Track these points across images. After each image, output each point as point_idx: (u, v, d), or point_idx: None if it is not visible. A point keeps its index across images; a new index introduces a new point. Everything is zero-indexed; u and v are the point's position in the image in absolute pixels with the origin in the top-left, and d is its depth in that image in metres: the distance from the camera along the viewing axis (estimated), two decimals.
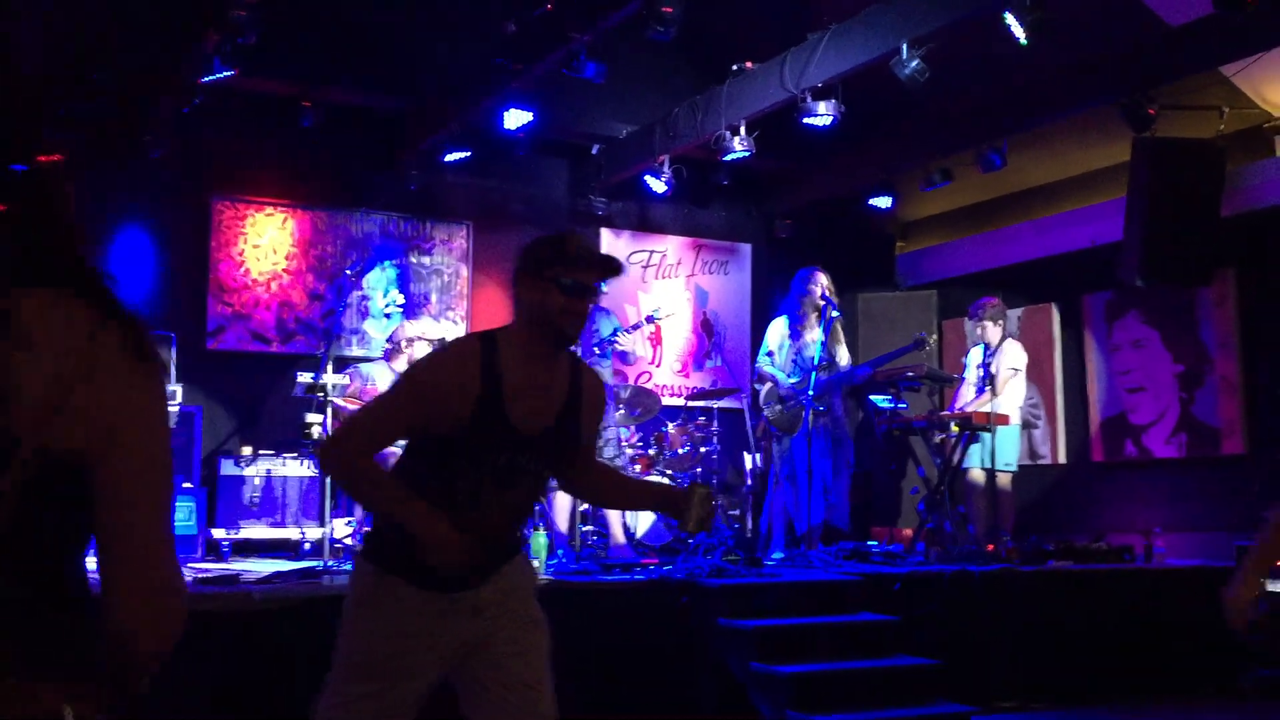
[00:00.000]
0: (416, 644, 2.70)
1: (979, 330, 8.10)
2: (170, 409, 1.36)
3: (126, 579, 1.28)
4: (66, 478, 1.25)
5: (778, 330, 7.74)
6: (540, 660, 2.84)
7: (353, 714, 2.70)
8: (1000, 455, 7.69)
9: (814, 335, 7.56)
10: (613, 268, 2.87)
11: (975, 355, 8.16)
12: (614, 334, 7.05)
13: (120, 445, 1.27)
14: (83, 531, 1.29)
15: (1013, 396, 7.95)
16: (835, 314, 7.47)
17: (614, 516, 7.14)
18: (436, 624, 2.71)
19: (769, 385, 7.65)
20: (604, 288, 2.96)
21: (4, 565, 1.22)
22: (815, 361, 7.39)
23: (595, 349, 7.01)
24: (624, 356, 7.28)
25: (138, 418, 1.29)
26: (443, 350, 2.97)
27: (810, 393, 7.20)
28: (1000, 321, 8.01)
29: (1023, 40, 6.25)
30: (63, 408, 1.23)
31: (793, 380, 7.50)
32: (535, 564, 6.17)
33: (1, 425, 1.21)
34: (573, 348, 2.93)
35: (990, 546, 7.21)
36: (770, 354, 7.71)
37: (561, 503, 6.90)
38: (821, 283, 7.55)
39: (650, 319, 7.46)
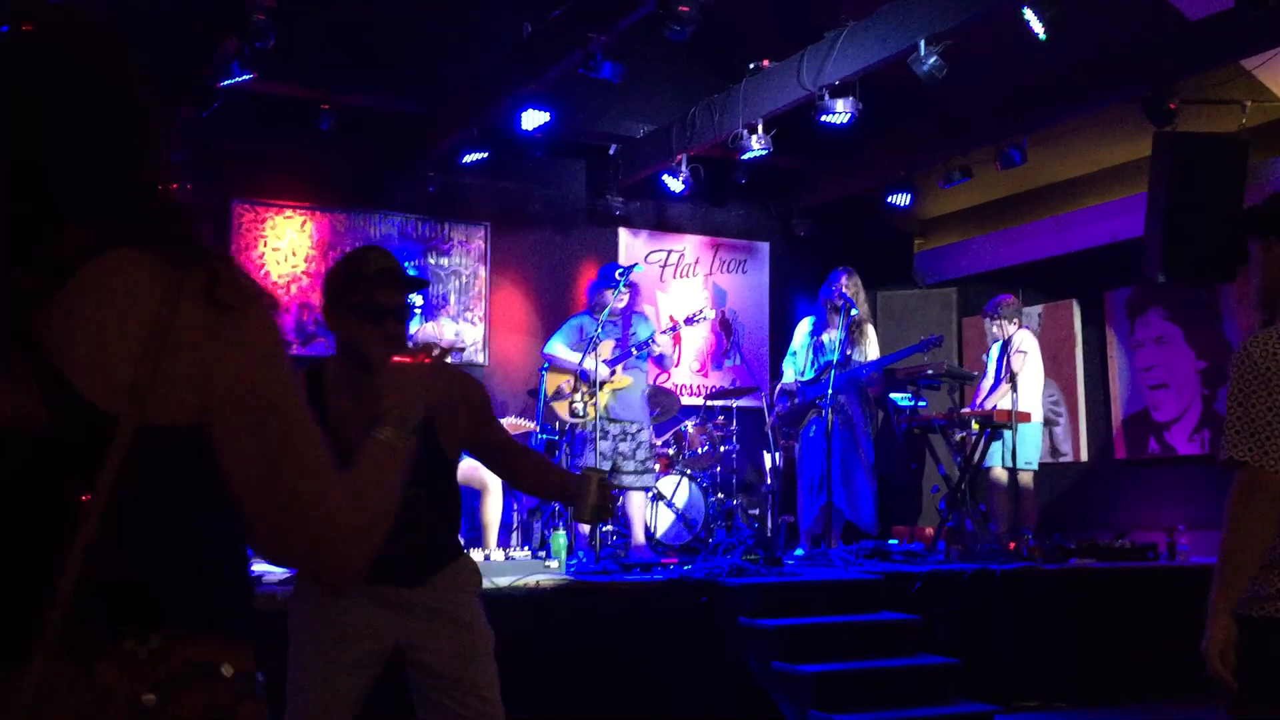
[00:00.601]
0: (337, 633, 2.78)
1: (996, 328, 8.08)
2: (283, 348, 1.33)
3: (281, 530, 1.25)
4: (176, 446, 1.21)
5: (801, 331, 7.84)
6: (477, 659, 2.86)
7: (295, 709, 2.78)
8: (1021, 453, 7.65)
9: (831, 335, 7.56)
10: (415, 284, 2.83)
11: (994, 353, 8.14)
12: (651, 337, 7.05)
13: (226, 405, 1.21)
14: (211, 487, 1.24)
15: (1031, 390, 7.92)
16: (854, 313, 7.46)
17: (635, 516, 7.15)
18: (355, 615, 2.78)
19: (779, 384, 7.69)
20: (416, 300, 2.94)
21: (119, 534, 1.17)
22: (828, 360, 7.40)
23: (634, 350, 7.03)
24: (660, 360, 7.27)
25: (237, 373, 1.22)
26: None
27: (829, 391, 7.19)
28: (1017, 319, 7.98)
29: (1042, 35, 6.22)
30: (156, 380, 1.17)
31: (805, 378, 7.52)
32: (554, 564, 6.20)
33: (97, 405, 1.16)
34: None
35: (1012, 545, 7.18)
36: (794, 354, 7.79)
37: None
38: (841, 282, 7.56)
39: (690, 321, 7.46)
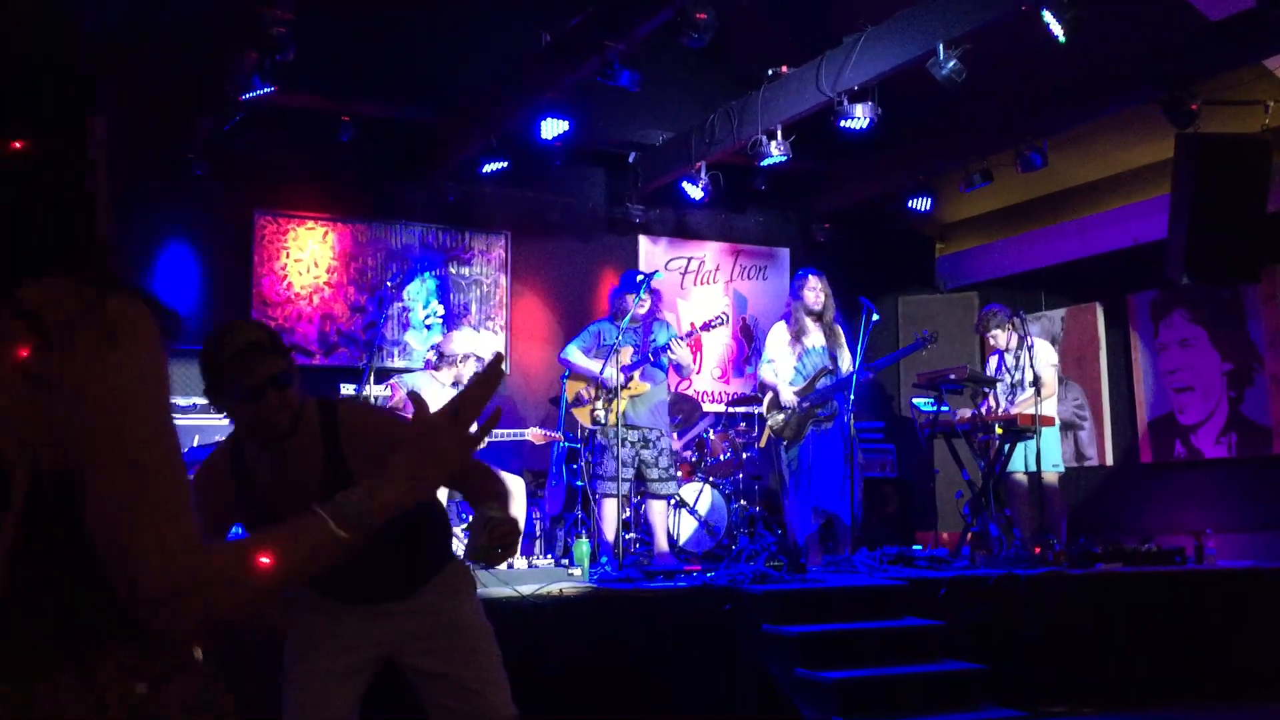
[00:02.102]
0: (330, 644, 2.85)
1: (991, 340, 8.07)
2: (158, 379, 1.23)
3: (125, 560, 1.20)
4: (67, 498, 1.21)
5: (778, 336, 7.62)
6: (477, 658, 2.91)
7: (291, 712, 2.85)
8: (1050, 456, 7.62)
9: (814, 340, 7.49)
10: (275, 355, 2.67)
11: (991, 363, 8.13)
12: (668, 343, 7.00)
13: (87, 441, 1.19)
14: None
15: (1051, 397, 7.92)
16: (876, 318, 7.42)
17: (658, 524, 7.14)
18: (346, 625, 2.86)
19: (770, 394, 7.52)
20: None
21: (30, 572, 1.20)
22: (816, 367, 7.36)
23: (650, 356, 7.00)
24: (679, 368, 7.17)
25: (98, 413, 1.19)
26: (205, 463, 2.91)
27: (849, 395, 7.17)
28: (1007, 326, 7.93)
29: (1061, 38, 6.20)
30: (44, 424, 1.17)
31: (795, 388, 7.41)
32: (578, 571, 6.20)
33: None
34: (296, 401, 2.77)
35: (1037, 550, 7.14)
36: (772, 361, 7.57)
37: (609, 512, 6.90)
38: (815, 286, 7.47)
39: (707, 326, 7.37)
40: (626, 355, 6.97)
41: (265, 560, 1.28)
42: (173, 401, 1.28)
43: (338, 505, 1.36)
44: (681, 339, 7.07)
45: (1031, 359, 7.74)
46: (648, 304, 7.07)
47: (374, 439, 2.76)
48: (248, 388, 2.63)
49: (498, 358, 1.62)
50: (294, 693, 2.87)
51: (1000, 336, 7.97)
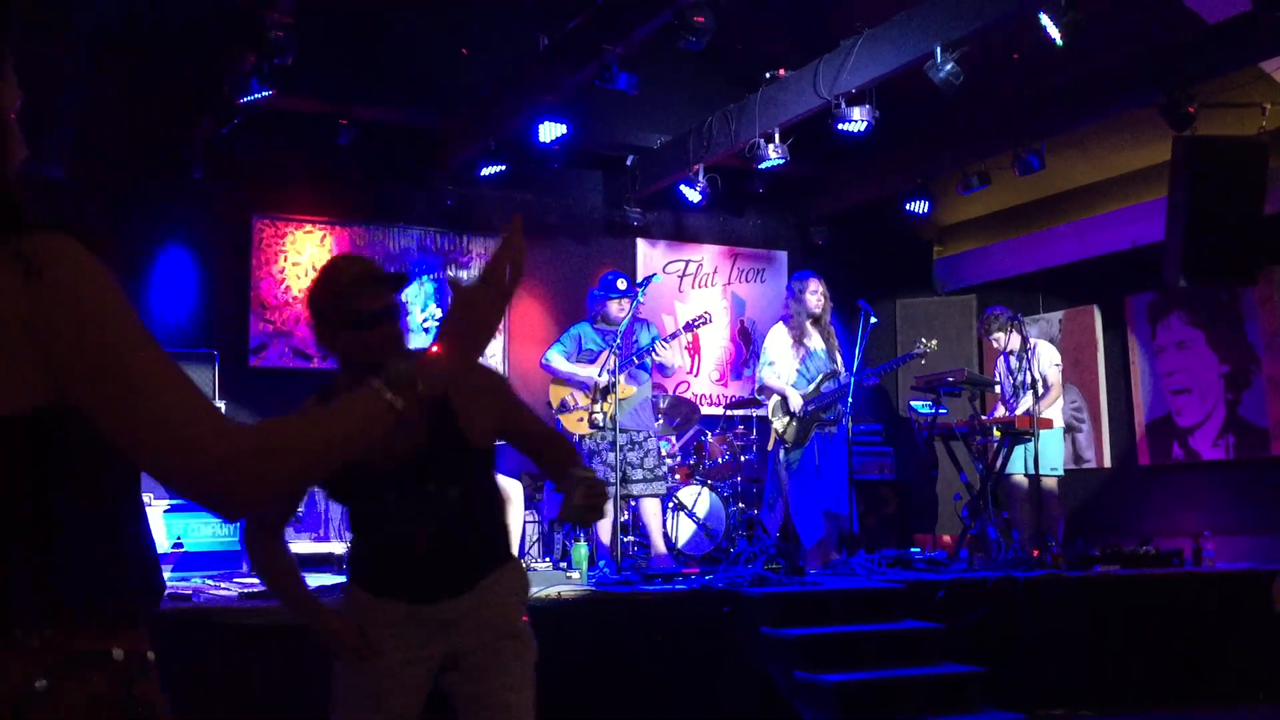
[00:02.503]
0: (386, 657, 2.63)
1: (994, 343, 8.09)
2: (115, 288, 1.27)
3: (160, 460, 1.23)
4: (22, 435, 1.21)
5: (779, 339, 7.55)
6: (514, 676, 2.71)
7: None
8: (1046, 459, 7.63)
9: (815, 344, 7.48)
10: (396, 281, 2.65)
11: (1000, 366, 8.15)
12: (652, 344, 6.98)
13: (73, 373, 1.21)
14: (75, 471, 1.25)
15: (1058, 399, 7.95)
16: (874, 320, 7.42)
17: (653, 525, 7.13)
18: (402, 633, 2.63)
19: (776, 398, 7.46)
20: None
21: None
22: (820, 371, 7.36)
23: (634, 359, 6.98)
24: (662, 369, 7.13)
25: (73, 339, 1.21)
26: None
27: (850, 400, 7.17)
28: (1010, 327, 7.94)
29: (1059, 41, 6.20)
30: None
31: (802, 392, 7.39)
32: (576, 574, 6.19)
33: None
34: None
35: (1035, 552, 7.14)
36: (773, 364, 7.51)
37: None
38: (817, 290, 7.45)
39: (688, 327, 7.32)
40: (610, 359, 6.94)
41: (313, 426, 1.31)
42: (135, 312, 1.28)
43: (388, 370, 1.36)
44: (664, 340, 7.05)
45: (1032, 361, 7.76)
46: (629, 307, 7.02)
47: (475, 383, 2.72)
48: (367, 314, 2.57)
49: (517, 219, 1.60)
50: (348, 702, 2.66)
51: (1003, 339, 7.98)
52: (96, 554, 1.27)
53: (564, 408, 7.15)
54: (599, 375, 6.87)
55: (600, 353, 6.95)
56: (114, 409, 1.21)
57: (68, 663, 1.22)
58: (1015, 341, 7.90)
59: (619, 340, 6.84)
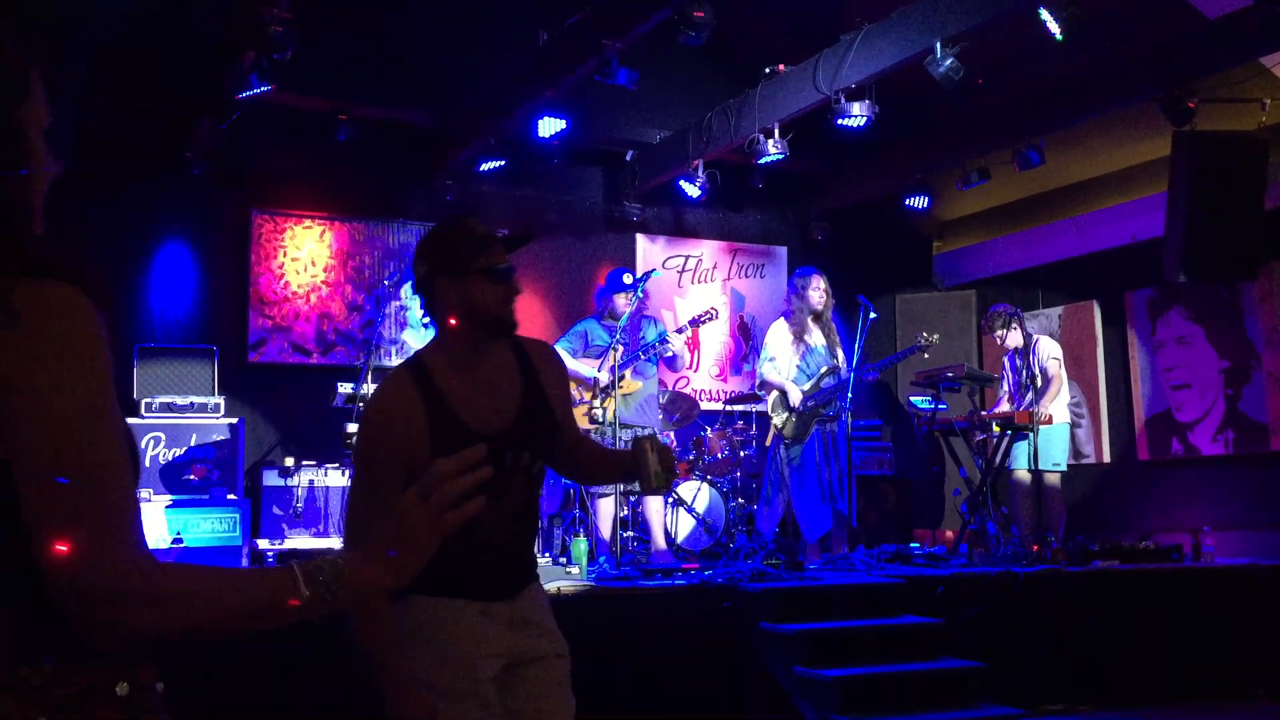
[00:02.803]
0: (473, 652, 2.54)
1: (997, 339, 8.09)
2: (91, 354, 1.19)
3: (60, 567, 1.15)
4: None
5: (779, 335, 7.60)
6: (563, 692, 2.68)
7: None
8: (1049, 455, 7.63)
9: (816, 339, 7.49)
10: (525, 234, 2.73)
11: (1006, 364, 8.17)
12: (660, 338, 7.00)
13: (19, 434, 1.15)
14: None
15: (1062, 393, 7.95)
16: (873, 316, 7.42)
17: (655, 521, 7.14)
18: (479, 629, 2.56)
19: (776, 394, 7.51)
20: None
21: None
22: (820, 366, 7.36)
23: (640, 354, 6.99)
24: (671, 362, 7.19)
25: (29, 399, 1.15)
26: (372, 402, 2.59)
27: (849, 395, 7.17)
28: (1014, 324, 7.94)
29: (1059, 36, 6.20)
30: None
31: (802, 387, 7.42)
32: (575, 570, 6.20)
33: None
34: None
35: (1035, 548, 7.15)
36: (773, 359, 7.56)
37: (605, 509, 6.90)
38: (819, 286, 7.46)
39: (695, 322, 7.35)
40: (616, 354, 6.96)
41: (216, 584, 1.24)
42: (107, 388, 1.21)
43: (313, 566, 1.29)
44: (676, 331, 7.09)
45: (1033, 357, 7.76)
46: (635, 303, 7.05)
47: (552, 380, 2.74)
48: (504, 268, 2.58)
49: (477, 451, 1.44)
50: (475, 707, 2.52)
51: (1006, 335, 7.97)
52: None
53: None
54: (601, 372, 6.88)
55: (608, 349, 6.96)
56: (37, 481, 1.15)
57: (70, 700, 1.19)
58: (1018, 338, 7.90)
59: (620, 335, 6.86)
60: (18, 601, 1.19)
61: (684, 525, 7.89)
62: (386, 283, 8.65)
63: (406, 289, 9.01)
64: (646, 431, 7.00)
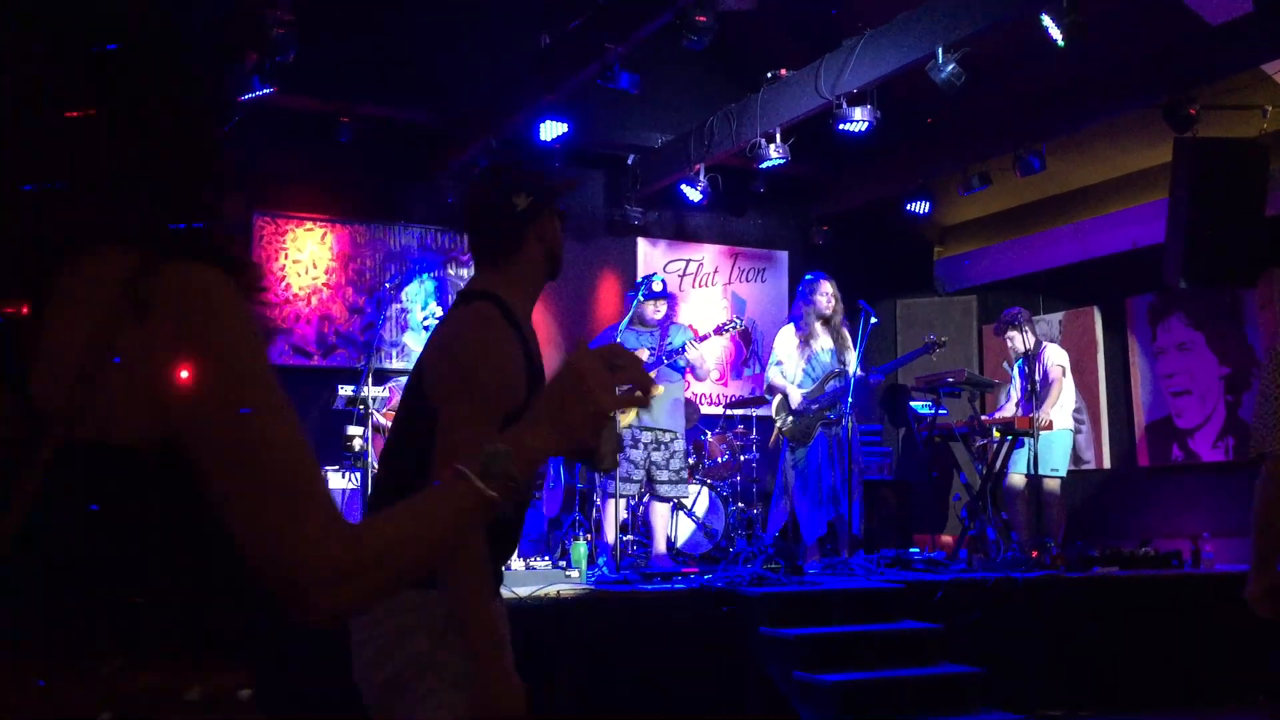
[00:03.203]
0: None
1: (1007, 342, 8.07)
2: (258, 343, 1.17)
3: (251, 556, 1.13)
4: (123, 465, 1.10)
5: (786, 339, 7.65)
6: None
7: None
8: (1048, 461, 7.63)
9: (823, 343, 7.50)
10: (569, 182, 2.65)
11: (1015, 370, 8.16)
12: (683, 345, 7.01)
13: (194, 425, 1.11)
14: (182, 503, 1.13)
15: (1065, 399, 7.94)
16: (874, 320, 7.43)
17: (659, 526, 7.14)
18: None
19: (779, 396, 7.55)
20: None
21: (71, 555, 1.10)
22: (825, 370, 7.37)
23: (664, 359, 7.00)
24: (695, 370, 7.19)
25: (204, 391, 1.11)
26: (480, 333, 2.42)
27: (849, 399, 7.17)
28: (1026, 328, 7.94)
29: (1060, 42, 6.21)
30: (97, 389, 1.08)
31: (804, 391, 7.43)
32: (575, 573, 6.19)
33: (22, 407, 1.08)
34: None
35: (1034, 553, 7.14)
36: (780, 364, 7.60)
37: (613, 512, 6.91)
38: (827, 291, 7.48)
39: (720, 330, 7.40)
40: (643, 357, 6.99)
41: (412, 526, 1.21)
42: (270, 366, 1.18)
43: (484, 461, 1.25)
44: (699, 339, 7.10)
45: (1039, 364, 7.76)
46: (664, 308, 7.12)
47: None
48: (565, 213, 2.56)
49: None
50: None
51: (1018, 338, 7.96)
52: (185, 589, 1.17)
53: None
54: None
55: (634, 351, 6.97)
56: (231, 476, 1.12)
57: (137, 698, 1.12)
58: (1028, 342, 7.90)
59: (650, 338, 6.92)
60: (97, 591, 1.13)
61: (684, 529, 7.89)
62: (387, 285, 8.65)
63: (408, 291, 9.02)
64: (668, 437, 7.02)
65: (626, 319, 7.00)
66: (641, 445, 6.93)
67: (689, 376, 7.31)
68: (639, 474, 6.91)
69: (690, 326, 7.88)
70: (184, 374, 1.10)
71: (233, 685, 1.18)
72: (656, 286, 7.14)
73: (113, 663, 1.12)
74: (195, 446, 1.12)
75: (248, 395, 1.13)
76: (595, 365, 1.35)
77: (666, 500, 7.11)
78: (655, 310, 7.08)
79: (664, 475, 6.98)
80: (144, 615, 1.13)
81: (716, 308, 10.02)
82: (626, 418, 6.96)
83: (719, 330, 7.36)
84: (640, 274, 9.21)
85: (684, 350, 6.96)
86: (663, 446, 7.00)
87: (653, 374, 6.90)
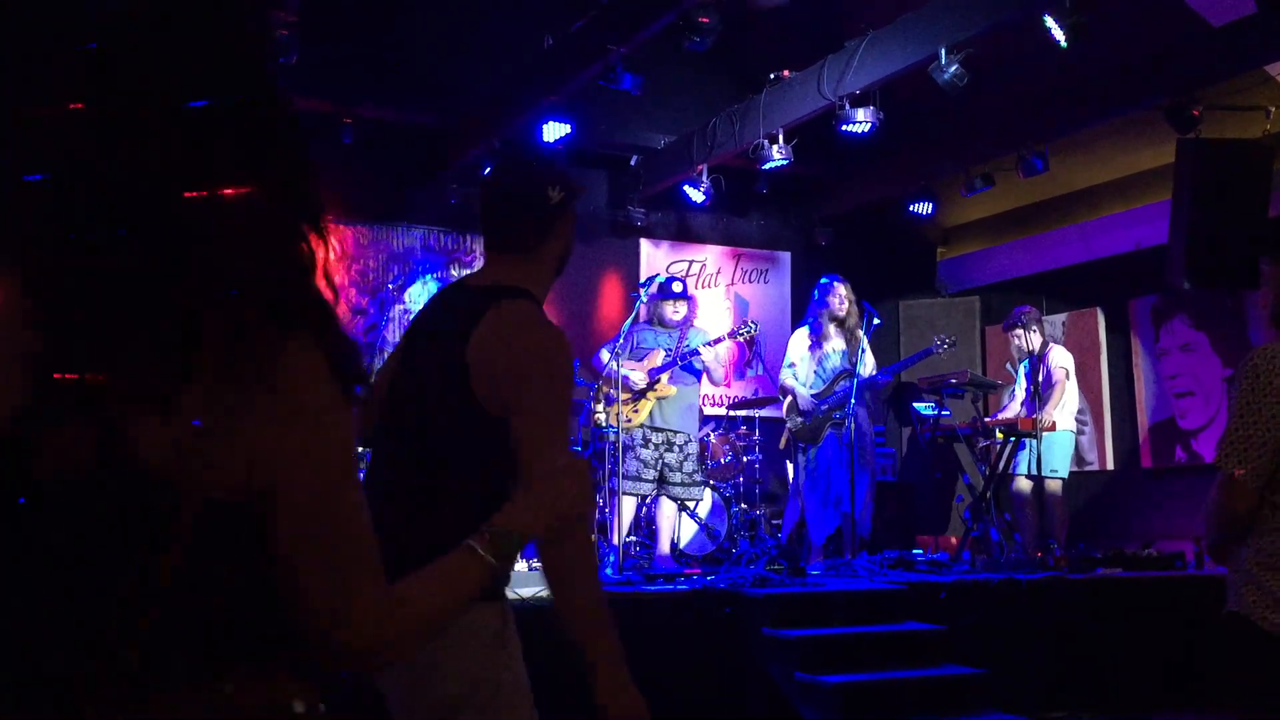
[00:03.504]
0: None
1: (1015, 340, 8.06)
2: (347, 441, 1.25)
3: (306, 621, 1.22)
4: (242, 529, 1.18)
5: (799, 342, 7.71)
6: None
7: None
8: (1050, 462, 7.62)
9: (835, 345, 7.51)
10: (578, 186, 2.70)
11: (1021, 370, 8.14)
12: (697, 348, 7.02)
13: (274, 486, 1.17)
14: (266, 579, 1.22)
15: (1067, 401, 7.92)
16: (877, 321, 7.43)
17: (665, 526, 7.14)
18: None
19: (790, 397, 7.60)
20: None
21: (186, 586, 1.15)
22: (837, 370, 7.38)
23: (678, 361, 7.00)
24: (710, 373, 7.19)
25: (299, 460, 1.18)
26: (551, 341, 2.32)
27: (851, 401, 7.17)
28: (1035, 327, 7.94)
29: (1063, 43, 6.20)
30: (221, 452, 1.14)
31: (813, 391, 7.45)
32: None
33: (163, 473, 1.13)
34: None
35: (1038, 554, 7.14)
36: (792, 365, 7.66)
37: (626, 511, 6.91)
38: (840, 293, 7.50)
39: (734, 334, 7.42)
40: (658, 359, 7.00)
41: (438, 595, 1.32)
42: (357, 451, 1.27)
43: (496, 540, 1.37)
44: (712, 342, 7.11)
45: (1044, 365, 7.75)
46: (684, 309, 7.12)
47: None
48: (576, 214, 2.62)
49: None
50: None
51: (1032, 338, 7.94)
52: (282, 613, 1.25)
53: (609, 400, 7.13)
54: (635, 375, 6.90)
55: (651, 351, 7.00)
56: (302, 540, 1.20)
57: (254, 713, 1.20)
58: (1035, 343, 7.89)
59: (668, 339, 6.94)
60: (201, 618, 1.19)
61: (687, 530, 7.89)
62: (391, 286, 8.66)
63: (411, 292, 9.02)
64: (681, 439, 7.03)
65: (631, 318, 7.00)
66: (652, 445, 6.94)
67: (704, 379, 7.32)
68: (650, 473, 6.91)
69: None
70: (275, 436, 1.17)
71: (317, 699, 1.29)
72: (677, 288, 7.17)
73: (237, 678, 1.20)
74: (274, 506, 1.19)
75: (333, 461, 1.20)
76: (588, 470, 1.49)
77: (677, 500, 7.12)
78: (675, 311, 7.10)
79: (677, 476, 7.00)
80: (251, 641, 1.22)
81: (719, 308, 10.02)
82: (639, 416, 6.97)
83: (732, 334, 7.38)
84: (644, 275, 9.22)
85: (692, 353, 6.98)
86: (675, 448, 7.00)
87: (665, 376, 6.93)
